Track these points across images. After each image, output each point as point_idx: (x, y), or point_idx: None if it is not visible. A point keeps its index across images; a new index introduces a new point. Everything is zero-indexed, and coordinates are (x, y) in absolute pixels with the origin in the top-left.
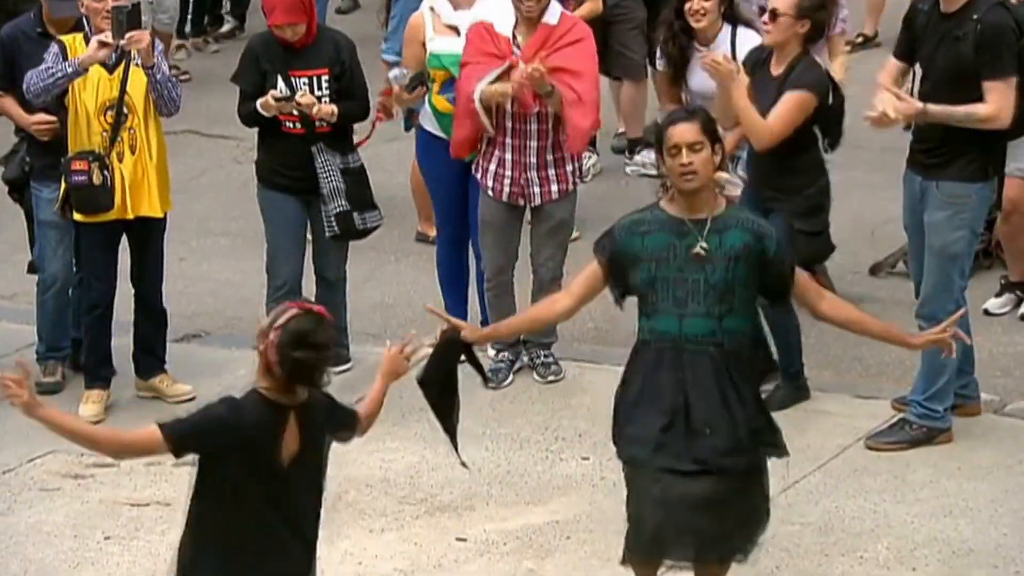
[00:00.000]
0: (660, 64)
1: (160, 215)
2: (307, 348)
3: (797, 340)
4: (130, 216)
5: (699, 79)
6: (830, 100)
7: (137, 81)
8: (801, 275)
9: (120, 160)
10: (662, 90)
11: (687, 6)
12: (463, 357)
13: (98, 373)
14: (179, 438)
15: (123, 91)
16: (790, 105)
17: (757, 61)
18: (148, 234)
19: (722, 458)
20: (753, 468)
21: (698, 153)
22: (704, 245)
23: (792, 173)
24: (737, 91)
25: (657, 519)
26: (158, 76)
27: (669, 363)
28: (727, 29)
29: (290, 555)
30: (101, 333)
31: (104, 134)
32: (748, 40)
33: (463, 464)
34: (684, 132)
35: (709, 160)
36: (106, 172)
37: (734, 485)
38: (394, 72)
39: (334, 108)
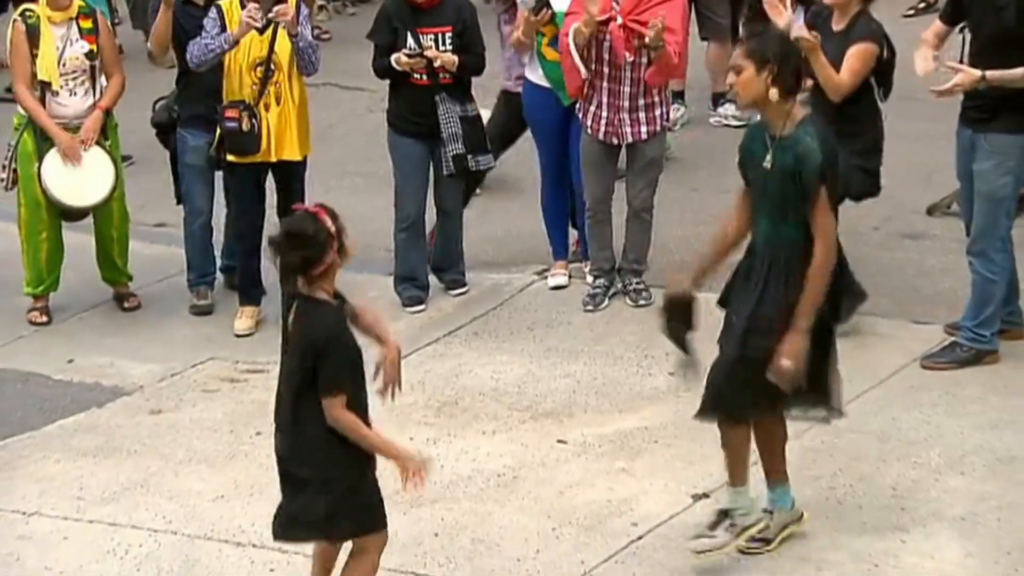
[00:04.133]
0: (744, 32)
1: (299, 158)
2: (279, 235)
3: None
4: (273, 159)
5: None
6: (885, 53)
7: (284, 42)
8: (821, 211)
9: (267, 110)
10: None
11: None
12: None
13: (250, 293)
14: None
15: (271, 52)
16: (858, 57)
17: (817, 20)
18: (290, 174)
19: (739, 340)
20: (760, 354)
21: (739, 75)
22: (769, 160)
23: (850, 120)
24: (817, 57)
25: (707, 377)
26: (301, 44)
27: (747, 253)
28: (800, 11)
29: (276, 433)
30: (251, 259)
31: (253, 87)
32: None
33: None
34: (733, 56)
35: (752, 80)
36: (254, 120)
37: (752, 366)
38: None
39: (455, 58)
